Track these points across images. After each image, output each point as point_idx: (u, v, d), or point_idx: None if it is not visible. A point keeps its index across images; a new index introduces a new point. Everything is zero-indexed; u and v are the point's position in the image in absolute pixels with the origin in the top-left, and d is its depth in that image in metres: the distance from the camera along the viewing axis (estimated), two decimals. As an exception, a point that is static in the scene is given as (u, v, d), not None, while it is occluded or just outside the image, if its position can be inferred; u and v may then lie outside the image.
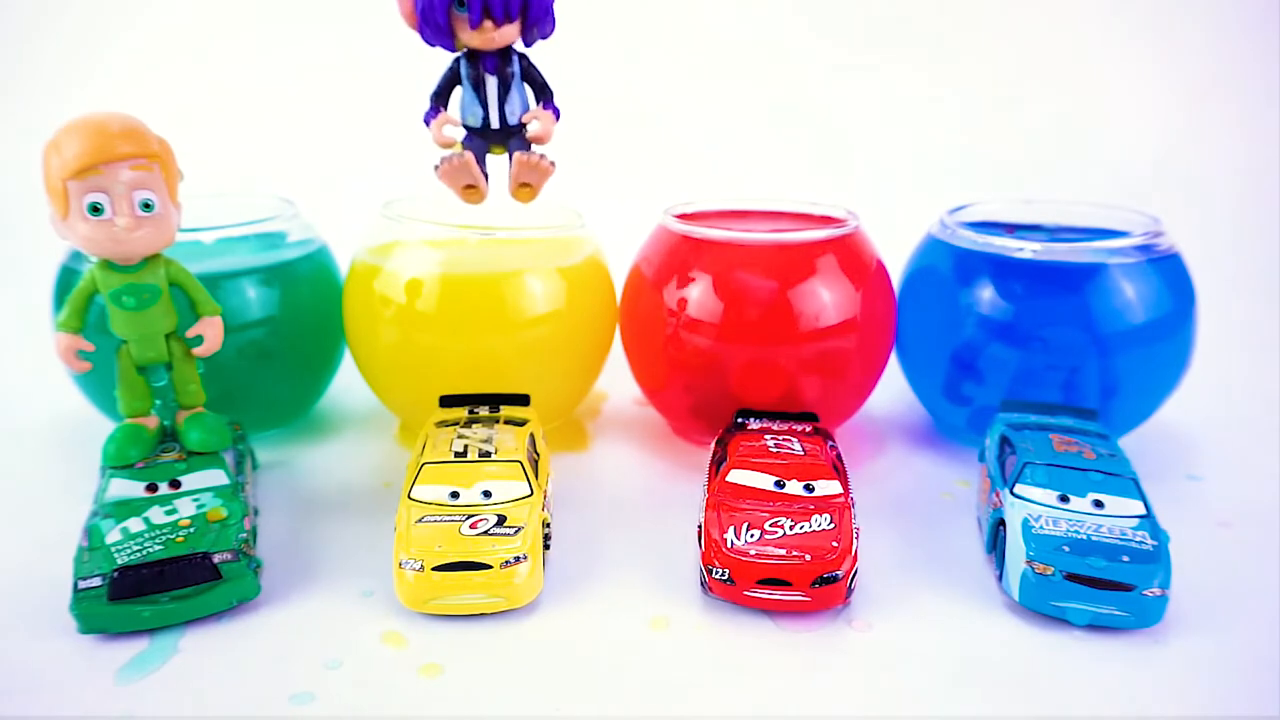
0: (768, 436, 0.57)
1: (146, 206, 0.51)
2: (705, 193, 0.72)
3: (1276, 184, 1.20)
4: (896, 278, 0.67)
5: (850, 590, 0.48)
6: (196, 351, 0.56)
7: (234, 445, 0.58)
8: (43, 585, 0.50)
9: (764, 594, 0.48)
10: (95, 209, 0.50)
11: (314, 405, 0.73)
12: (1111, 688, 0.44)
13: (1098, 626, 0.47)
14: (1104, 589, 0.46)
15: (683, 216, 0.66)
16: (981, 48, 1.33)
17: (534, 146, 0.56)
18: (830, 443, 0.57)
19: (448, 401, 0.61)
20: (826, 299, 0.60)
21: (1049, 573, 0.47)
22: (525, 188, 0.56)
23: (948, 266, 0.65)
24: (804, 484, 0.52)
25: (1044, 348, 0.60)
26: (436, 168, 0.55)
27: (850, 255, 0.62)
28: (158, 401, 0.57)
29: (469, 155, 0.54)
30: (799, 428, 0.59)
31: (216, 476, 0.53)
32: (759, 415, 0.60)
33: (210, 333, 0.56)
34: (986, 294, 0.62)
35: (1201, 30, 1.28)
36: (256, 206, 0.68)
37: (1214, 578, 0.51)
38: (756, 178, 1.29)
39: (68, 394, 0.67)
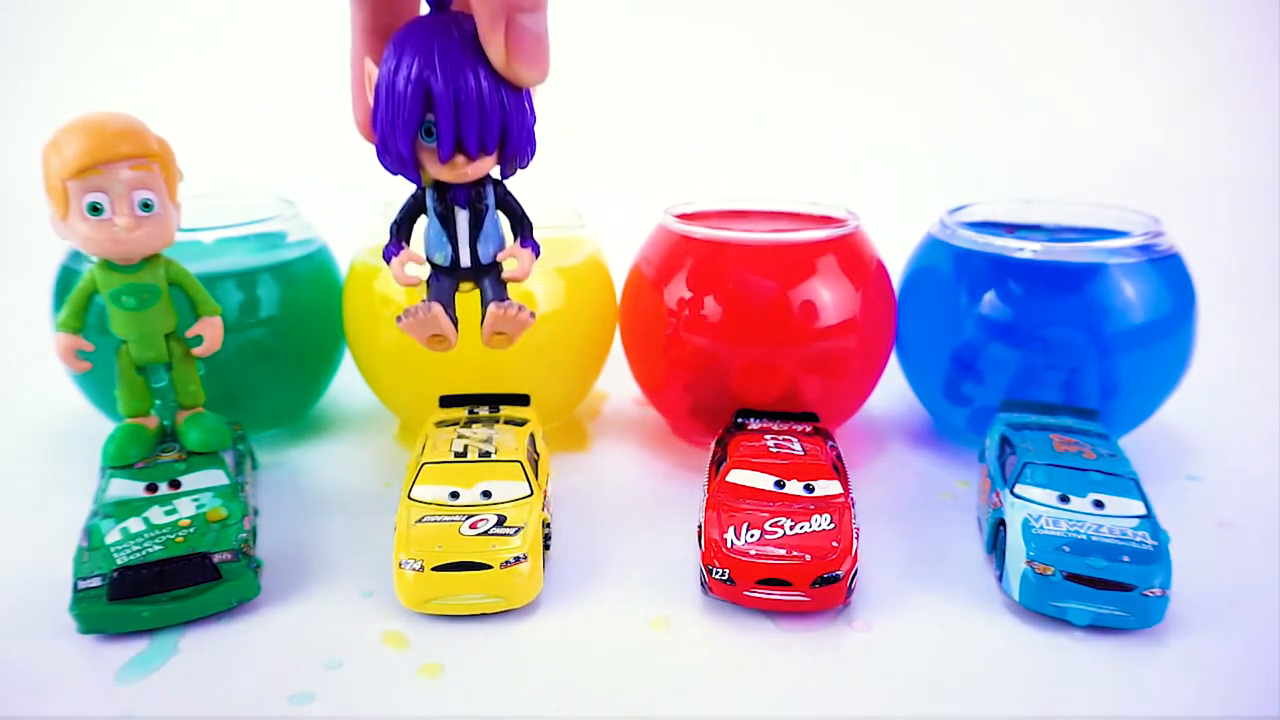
0: (768, 436, 0.57)
1: (146, 206, 0.51)
2: (705, 193, 0.72)
3: (1276, 184, 1.20)
4: (896, 278, 0.67)
5: (850, 590, 0.48)
6: (196, 351, 0.56)
7: (234, 445, 0.58)
8: (43, 585, 0.50)
9: (764, 594, 0.47)
10: (95, 209, 0.50)
11: (314, 405, 0.73)
12: (1111, 688, 0.44)
13: (1098, 626, 0.47)
14: (1104, 589, 0.46)
15: (683, 216, 0.66)
16: (982, 48, 1.33)
17: (510, 288, 0.50)
18: (830, 443, 0.57)
19: (448, 401, 0.61)
20: (826, 299, 0.60)
21: (1049, 573, 0.47)
22: (500, 336, 0.50)
23: (948, 266, 0.65)
24: (804, 484, 0.52)
25: (1044, 348, 0.60)
26: (400, 320, 0.49)
27: (850, 255, 0.62)
28: (157, 401, 0.57)
29: (437, 308, 0.48)
30: (799, 428, 0.59)
31: (216, 476, 0.53)
32: (759, 415, 0.60)
33: (210, 333, 0.56)
34: (986, 294, 0.62)
35: (1202, 30, 1.28)
36: (256, 206, 0.68)
37: (1214, 578, 0.51)
38: (756, 178, 1.29)
39: (68, 394, 0.67)
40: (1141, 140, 1.28)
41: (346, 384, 0.74)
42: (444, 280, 0.49)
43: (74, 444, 0.67)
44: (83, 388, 0.64)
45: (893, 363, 0.68)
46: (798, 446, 0.55)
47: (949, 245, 0.65)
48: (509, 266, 0.50)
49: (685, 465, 0.66)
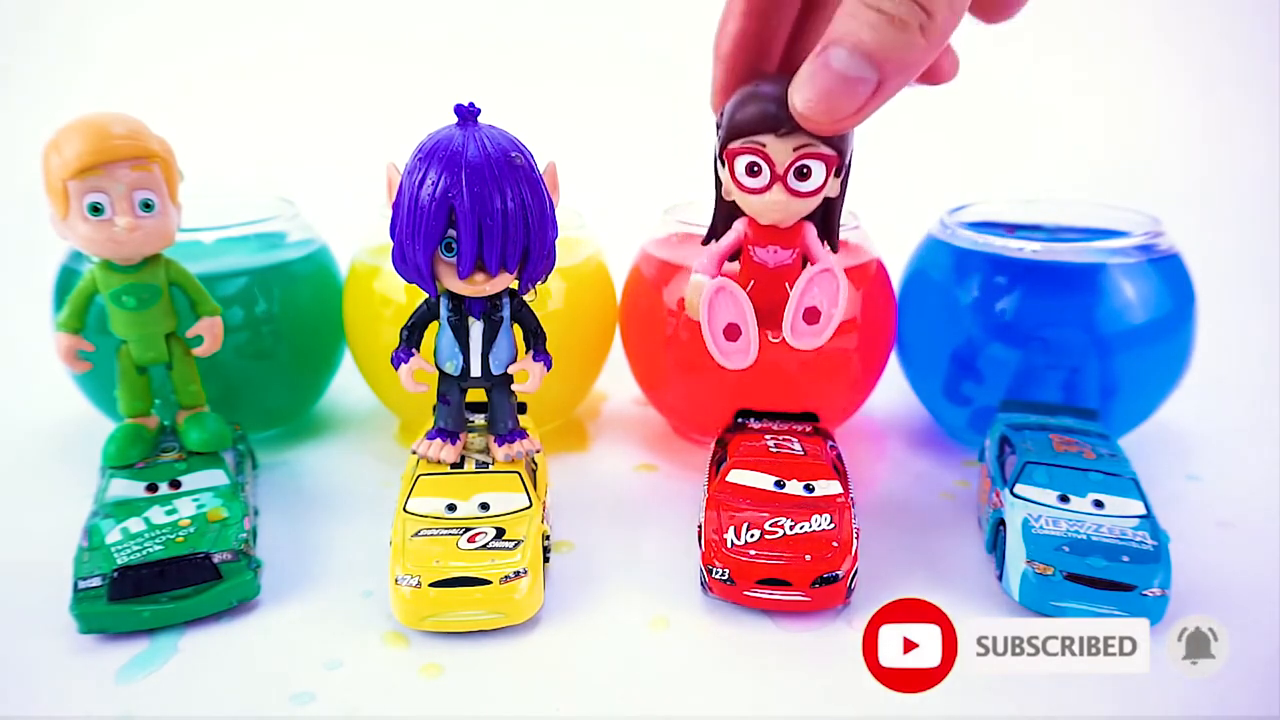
0: (768, 436, 0.56)
1: (146, 206, 0.51)
2: (707, 193, 0.72)
3: (1276, 184, 1.20)
4: (896, 278, 0.67)
5: (850, 590, 0.48)
6: (197, 352, 0.56)
7: (234, 445, 0.58)
8: (43, 585, 0.50)
9: (764, 594, 0.47)
10: (95, 209, 0.50)
11: (314, 405, 0.73)
12: (1111, 688, 0.44)
13: (1098, 626, 0.47)
14: (1104, 589, 0.46)
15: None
16: (981, 48, 1.32)
17: (521, 414, 0.53)
18: (830, 443, 0.57)
19: None
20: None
21: (1049, 573, 0.47)
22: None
23: (948, 266, 0.65)
24: (804, 484, 0.52)
25: (1044, 348, 0.60)
26: (414, 452, 0.52)
27: (850, 256, 0.62)
28: (158, 401, 0.57)
29: (449, 446, 0.52)
30: (799, 428, 0.59)
31: (216, 476, 0.53)
32: (759, 415, 0.60)
33: (210, 333, 0.56)
34: (986, 294, 0.62)
35: (1202, 30, 1.28)
36: (256, 206, 0.67)
37: (1214, 578, 0.51)
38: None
39: (68, 394, 0.67)
40: (1141, 140, 1.28)
41: (346, 384, 0.74)
42: (453, 390, 0.51)
43: (74, 444, 0.67)
44: (83, 388, 0.64)
45: (893, 363, 0.68)
46: (798, 446, 0.55)
47: (949, 245, 0.65)
48: (519, 380, 0.50)
49: (685, 465, 0.66)
